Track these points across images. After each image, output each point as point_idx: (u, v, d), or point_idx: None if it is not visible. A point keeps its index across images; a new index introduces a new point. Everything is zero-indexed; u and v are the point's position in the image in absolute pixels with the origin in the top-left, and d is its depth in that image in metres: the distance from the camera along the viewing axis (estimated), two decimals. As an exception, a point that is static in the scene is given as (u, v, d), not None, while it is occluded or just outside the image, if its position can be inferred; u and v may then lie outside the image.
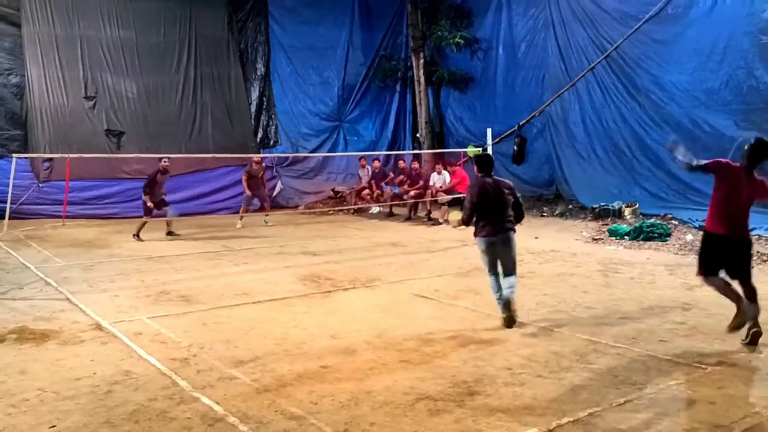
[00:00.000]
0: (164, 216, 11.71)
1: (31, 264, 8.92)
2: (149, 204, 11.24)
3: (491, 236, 5.82)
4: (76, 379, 4.51)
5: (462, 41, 16.33)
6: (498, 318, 5.87)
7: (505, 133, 14.86)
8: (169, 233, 11.81)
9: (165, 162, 11.50)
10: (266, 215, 13.55)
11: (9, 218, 11.42)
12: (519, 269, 8.28)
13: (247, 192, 13.25)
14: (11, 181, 11.48)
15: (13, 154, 11.93)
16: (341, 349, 5.17)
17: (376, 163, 15.89)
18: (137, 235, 11.33)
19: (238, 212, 13.67)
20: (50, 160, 14.13)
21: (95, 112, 15.20)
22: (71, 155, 12.38)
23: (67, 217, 12.77)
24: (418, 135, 17.94)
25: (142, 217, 11.60)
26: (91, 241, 11.35)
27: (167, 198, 11.78)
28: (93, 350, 5.18)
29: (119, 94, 15.49)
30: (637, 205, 12.44)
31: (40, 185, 14.14)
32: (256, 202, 13.67)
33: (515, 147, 14.45)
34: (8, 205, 11.43)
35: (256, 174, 13.29)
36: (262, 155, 14.17)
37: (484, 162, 6.06)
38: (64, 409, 4.00)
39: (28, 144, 14.52)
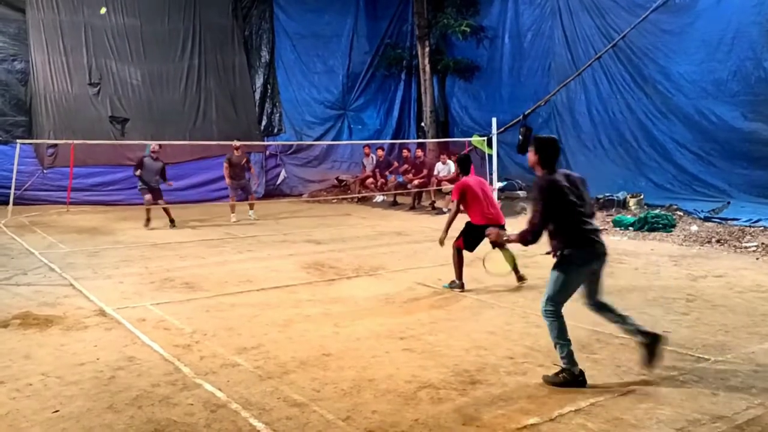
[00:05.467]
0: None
1: (36, 250, 8.94)
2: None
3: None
4: (79, 365, 4.53)
5: (468, 29, 16.21)
6: (501, 308, 5.89)
7: (510, 123, 14.79)
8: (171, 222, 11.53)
9: (154, 146, 11.17)
10: (251, 210, 12.62)
11: (13, 204, 11.47)
12: (525, 260, 8.23)
13: (228, 181, 12.47)
14: (15, 167, 11.52)
15: (18, 140, 11.95)
16: (344, 336, 5.18)
17: (380, 152, 15.85)
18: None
19: (242, 200, 13.41)
20: (54, 146, 14.14)
21: (99, 98, 15.21)
22: (75, 141, 12.38)
23: (71, 203, 12.80)
24: (422, 124, 17.87)
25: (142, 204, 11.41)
26: (96, 227, 11.37)
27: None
28: (97, 336, 5.20)
29: (124, 81, 15.49)
30: (642, 196, 12.38)
31: (45, 171, 14.17)
32: (241, 193, 12.86)
33: (520, 136, 14.35)
34: (12, 191, 11.46)
35: (238, 162, 12.43)
36: (242, 142, 13.02)
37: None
38: (67, 394, 4.01)
39: (32, 130, 14.53)
